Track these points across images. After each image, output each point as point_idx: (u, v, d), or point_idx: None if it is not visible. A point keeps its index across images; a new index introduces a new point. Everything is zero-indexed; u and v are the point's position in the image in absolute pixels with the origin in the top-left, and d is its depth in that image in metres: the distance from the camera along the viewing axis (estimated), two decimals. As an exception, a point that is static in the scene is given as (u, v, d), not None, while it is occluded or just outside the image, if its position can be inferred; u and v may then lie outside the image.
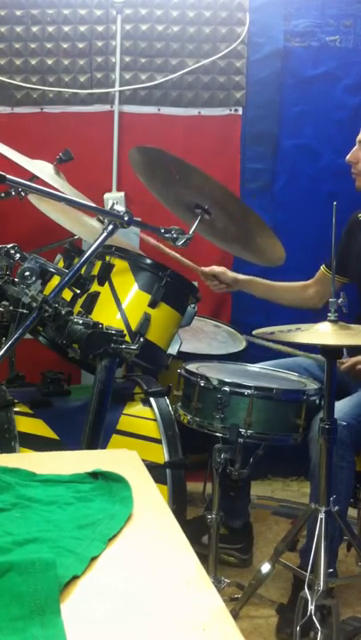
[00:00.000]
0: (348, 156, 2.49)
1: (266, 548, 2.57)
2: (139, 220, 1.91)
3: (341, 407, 2.11)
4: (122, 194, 3.05)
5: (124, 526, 0.93)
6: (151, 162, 2.22)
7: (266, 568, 2.01)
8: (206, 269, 2.69)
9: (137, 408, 2.09)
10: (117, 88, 3.03)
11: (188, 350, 2.53)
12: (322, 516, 1.83)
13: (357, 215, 2.57)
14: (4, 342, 1.66)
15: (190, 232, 2.07)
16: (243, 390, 2.07)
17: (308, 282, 2.74)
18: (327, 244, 1.91)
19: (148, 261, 2.06)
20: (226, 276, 2.70)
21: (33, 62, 2.99)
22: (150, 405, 2.08)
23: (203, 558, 2.04)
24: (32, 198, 2.39)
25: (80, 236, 2.26)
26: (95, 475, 1.07)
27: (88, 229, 2.25)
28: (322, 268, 2.70)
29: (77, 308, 1.97)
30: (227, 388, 2.08)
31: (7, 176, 1.63)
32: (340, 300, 1.83)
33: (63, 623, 0.71)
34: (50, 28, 2.98)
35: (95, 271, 2.00)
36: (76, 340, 1.67)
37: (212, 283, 2.71)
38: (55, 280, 1.78)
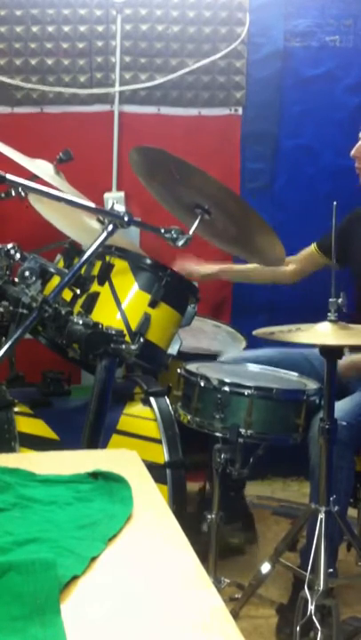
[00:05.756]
0: (353, 151, 2.48)
1: (266, 548, 2.57)
2: (139, 220, 1.90)
3: (342, 407, 2.11)
4: (122, 194, 3.04)
5: (124, 526, 0.93)
6: (151, 162, 2.21)
7: (266, 568, 2.01)
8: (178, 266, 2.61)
9: (137, 408, 2.09)
10: (117, 88, 3.03)
11: (188, 350, 2.53)
12: (322, 516, 1.83)
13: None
14: (4, 342, 1.66)
15: (190, 232, 2.07)
16: (243, 390, 2.07)
17: (289, 257, 2.58)
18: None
19: (148, 261, 2.06)
20: (198, 274, 2.70)
21: (33, 62, 2.99)
22: (150, 405, 2.08)
23: (206, 547, 2.06)
24: (32, 200, 2.39)
25: (79, 241, 2.25)
26: (95, 475, 1.07)
27: (87, 232, 2.24)
28: (313, 247, 2.68)
29: (77, 308, 1.97)
30: (227, 388, 2.08)
31: (7, 176, 1.63)
32: (340, 300, 1.83)
33: (63, 623, 0.71)
34: (50, 28, 2.98)
35: (95, 271, 2.00)
36: (76, 341, 1.67)
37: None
38: (55, 280, 1.78)
